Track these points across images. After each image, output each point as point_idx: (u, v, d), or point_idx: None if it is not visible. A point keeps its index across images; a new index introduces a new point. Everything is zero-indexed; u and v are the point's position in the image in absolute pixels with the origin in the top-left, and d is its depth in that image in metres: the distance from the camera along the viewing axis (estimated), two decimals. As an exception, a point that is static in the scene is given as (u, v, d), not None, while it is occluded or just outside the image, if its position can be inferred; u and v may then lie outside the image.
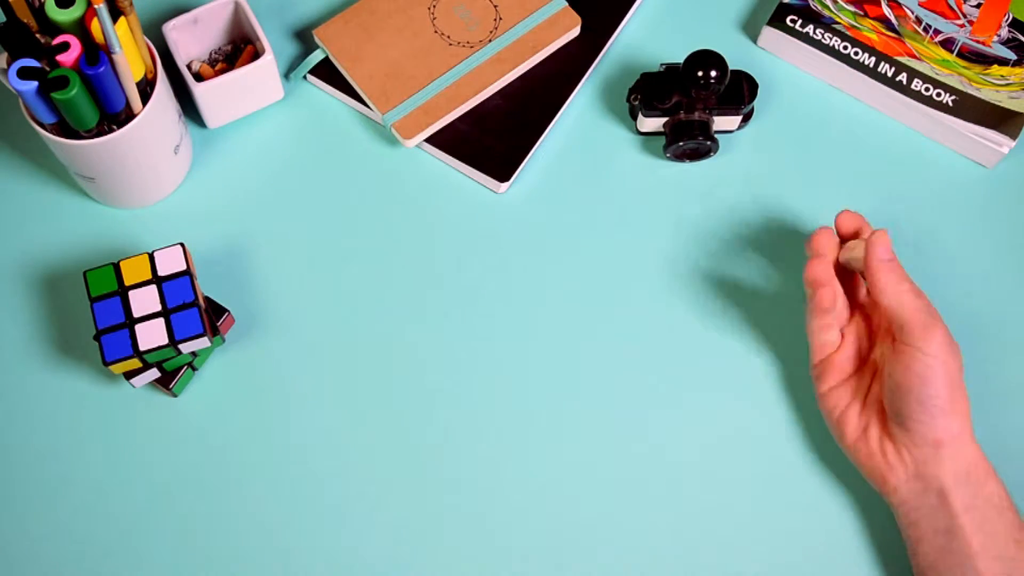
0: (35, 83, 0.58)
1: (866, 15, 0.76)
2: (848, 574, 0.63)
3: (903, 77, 0.74)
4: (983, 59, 0.74)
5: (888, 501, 0.62)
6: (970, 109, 0.73)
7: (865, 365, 0.64)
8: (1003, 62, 0.74)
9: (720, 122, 0.72)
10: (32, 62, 0.59)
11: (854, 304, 0.66)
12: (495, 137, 0.72)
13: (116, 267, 0.63)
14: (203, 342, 0.62)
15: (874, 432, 0.62)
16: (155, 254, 0.63)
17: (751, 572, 0.63)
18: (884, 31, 0.75)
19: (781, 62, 0.77)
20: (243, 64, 0.72)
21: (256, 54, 0.73)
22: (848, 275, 0.66)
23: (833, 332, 0.64)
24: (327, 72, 0.75)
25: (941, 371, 0.58)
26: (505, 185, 0.72)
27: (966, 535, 0.58)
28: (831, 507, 0.64)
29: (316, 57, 0.74)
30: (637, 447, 0.66)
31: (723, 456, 0.65)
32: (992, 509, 0.59)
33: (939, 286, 0.69)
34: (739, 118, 0.72)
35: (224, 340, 0.66)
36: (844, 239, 0.66)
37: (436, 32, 0.74)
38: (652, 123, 0.73)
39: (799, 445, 0.66)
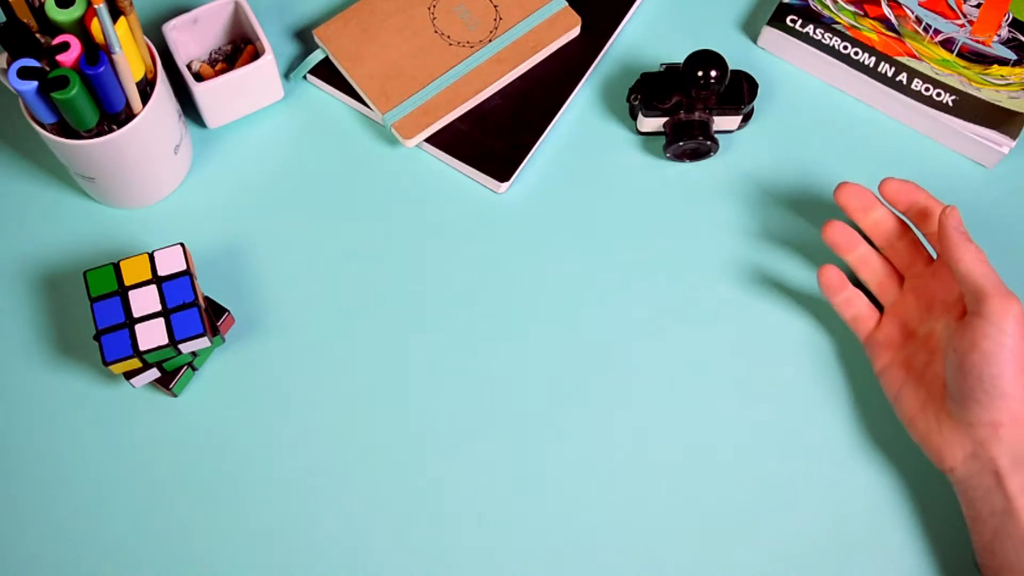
0: (35, 83, 0.58)
1: (866, 15, 0.76)
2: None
3: (903, 77, 0.74)
4: (983, 59, 0.74)
5: (949, 478, 0.61)
6: (970, 109, 0.72)
7: (919, 340, 0.63)
8: (1003, 62, 0.74)
9: (720, 122, 0.72)
10: (32, 62, 0.59)
11: (903, 276, 0.66)
12: (495, 137, 0.72)
13: (116, 267, 0.63)
14: (203, 342, 0.62)
15: (931, 409, 0.61)
16: (155, 254, 0.63)
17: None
18: (884, 31, 0.75)
19: (781, 62, 0.77)
20: (243, 64, 0.72)
21: (256, 54, 0.73)
22: (900, 248, 0.66)
23: (856, 307, 0.65)
24: (327, 72, 0.75)
25: (1010, 347, 0.56)
26: (505, 185, 0.72)
27: (1022, 519, 0.57)
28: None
29: (316, 57, 0.74)
30: (637, 446, 0.66)
31: (727, 457, 0.65)
32: None
33: (939, 286, 0.69)
34: (739, 118, 0.72)
35: (224, 340, 0.66)
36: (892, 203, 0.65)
37: (436, 32, 0.74)
38: (652, 123, 0.73)
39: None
